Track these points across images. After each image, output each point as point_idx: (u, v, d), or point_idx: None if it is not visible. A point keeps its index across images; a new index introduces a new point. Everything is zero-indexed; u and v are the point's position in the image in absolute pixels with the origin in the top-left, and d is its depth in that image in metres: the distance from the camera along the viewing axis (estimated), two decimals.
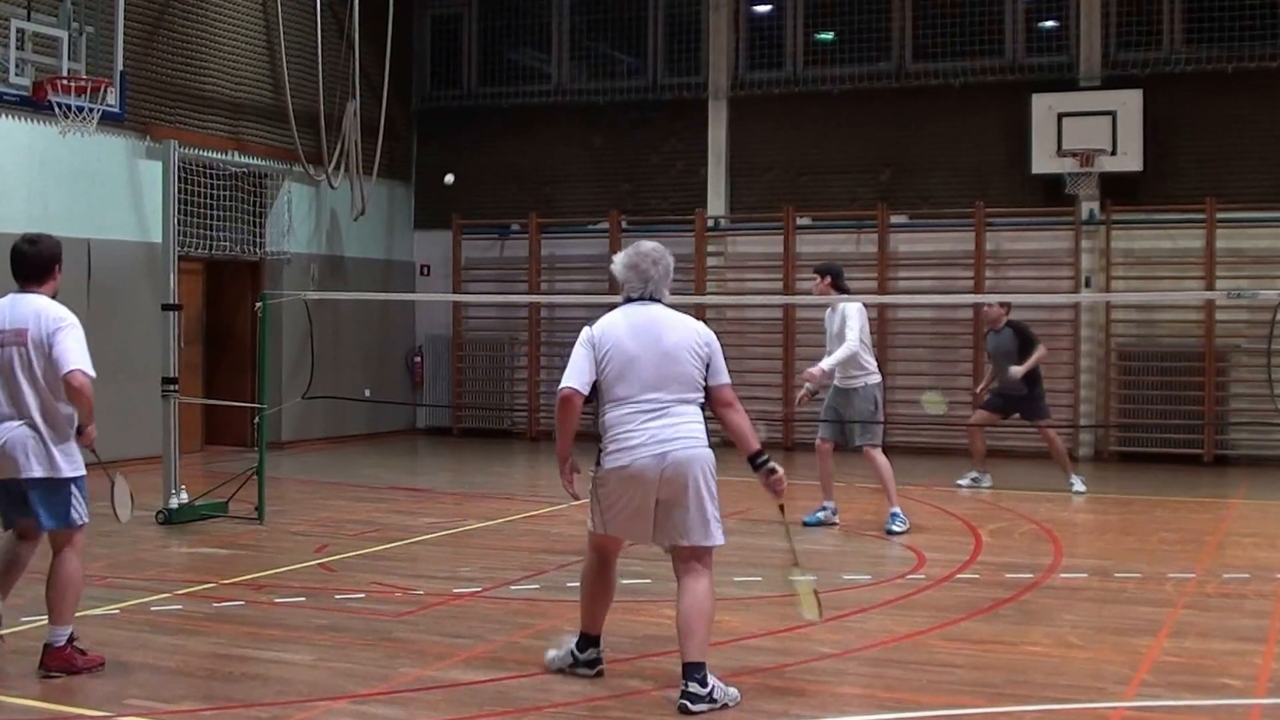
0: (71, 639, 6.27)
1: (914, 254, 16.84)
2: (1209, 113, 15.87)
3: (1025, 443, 16.36)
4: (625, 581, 8.26)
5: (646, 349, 5.86)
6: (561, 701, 5.73)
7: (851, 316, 10.38)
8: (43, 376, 6.11)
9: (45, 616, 6.50)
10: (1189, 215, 15.71)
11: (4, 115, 12.91)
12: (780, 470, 5.95)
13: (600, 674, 6.09)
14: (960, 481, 13.45)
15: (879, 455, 10.55)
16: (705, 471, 5.79)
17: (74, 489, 6.22)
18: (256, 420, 11.40)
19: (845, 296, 10.87)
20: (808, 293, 16.88)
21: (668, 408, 5.80)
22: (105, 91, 12.59)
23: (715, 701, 5.64)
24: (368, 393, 17.56)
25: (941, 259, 16.65)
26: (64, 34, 12.55)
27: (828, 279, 10.85)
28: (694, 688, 5.63)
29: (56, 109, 12.24)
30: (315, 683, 6.07)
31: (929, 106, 16.86)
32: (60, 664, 6.19)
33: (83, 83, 12.37)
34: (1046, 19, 16.78)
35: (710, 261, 17.64)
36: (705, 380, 5.91)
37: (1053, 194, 16.20)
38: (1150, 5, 16.13)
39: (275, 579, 8.45)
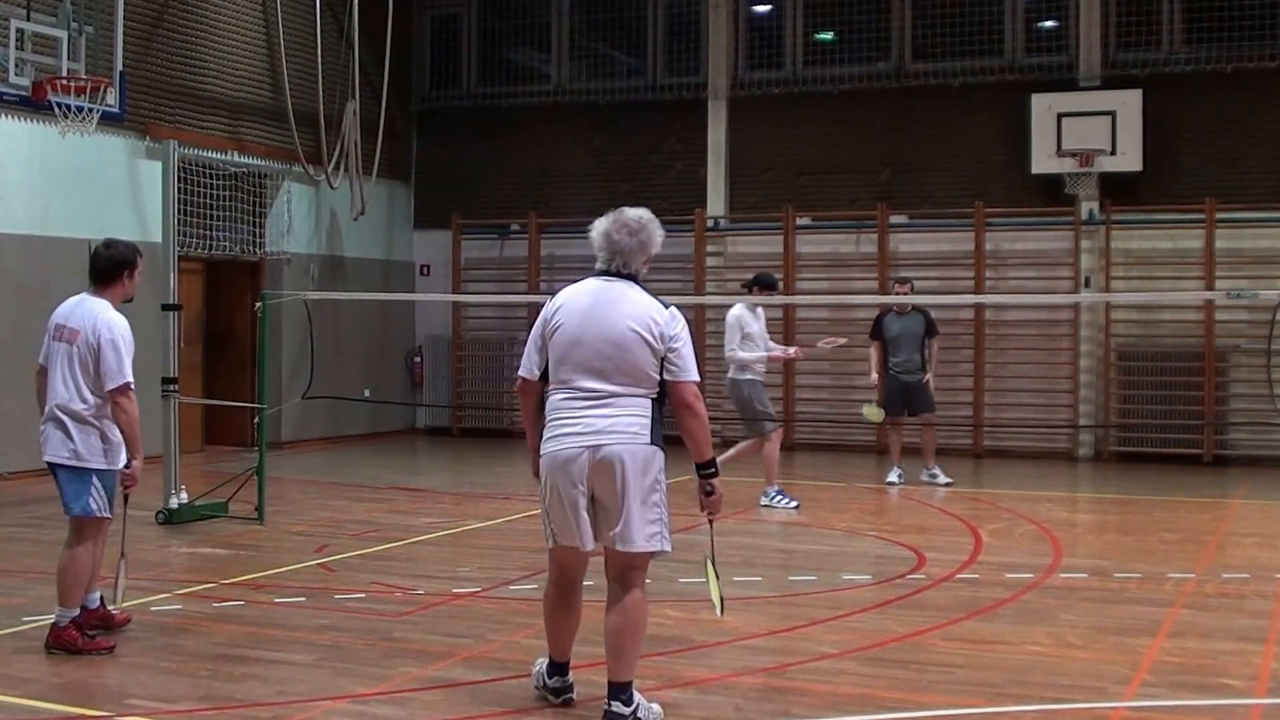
0: (77, 622, 6.54)
1: (914, 254, 16.84)
2: (1209, 113, 15.88)
3: (1024, 443, 16.39)
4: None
5: (595, 332, 5.30)
6: (562, 701, 5.72)
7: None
8: (82, 375, 6.54)
9: (49, 616, 6.62)
10: (1189, 215, 15.71)
11: (4, 115, 12.91)
12: (719, 492, 5.43)
13: (568, 703, 5.62)
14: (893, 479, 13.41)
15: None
16: (641, 469, 5.25)
17: (94, 480, 6.55)
18: (256, 420, 11.40)
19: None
20: (808, 293, 16.99)
21: (610, 399, 5.27)
22: (105, 91, 12.58)
23: None
24: (368, 393, 17.56)
25: (941, 259, 16.65)
26: (63, 34, 12.54)
27: None
28: (617, 707, 5.30)
29: (56, 109, 12.24)
30: (315, 683, 6.07)
31: (929, 106, 16.86)
32: (60, 642, 6.50)
33: (82, 83, 12.36)
34: (1046, 19, 16.78)
35: (710, 261, 17.64)
36: (662, 375, 5.32)
37: (1052, 194, 16.20)
38: (1150, 5, 16.14)
39: (275, 579, 8.45)
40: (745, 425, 12.03)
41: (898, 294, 13.62)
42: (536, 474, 5.46)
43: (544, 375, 5.48)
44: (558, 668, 5.65)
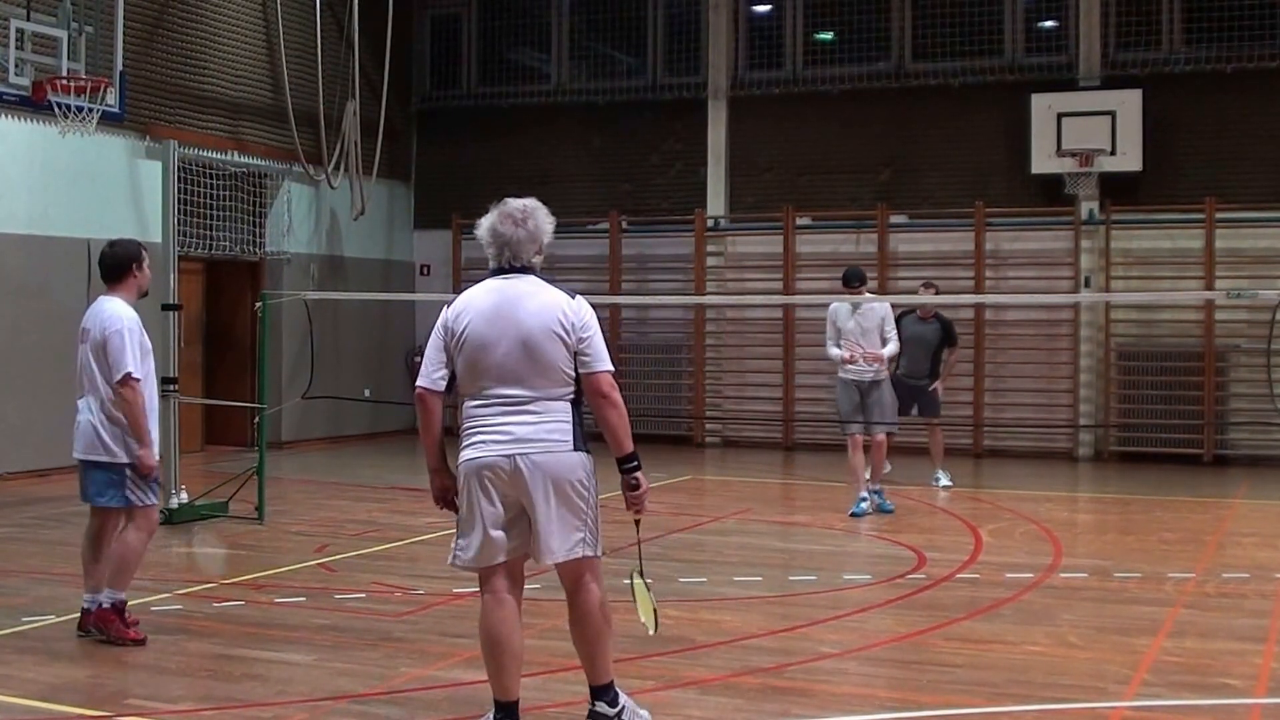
0: (118, 607, 6.66)
1: (914, 254, 16.84)
2: (1208, 113, 15.88)
3: (1024, 443, 16.39)
4: (625, 581, 8.26)
5: (504, 335, 5.04)
6: (561, 701, 5.72)
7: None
8: (100, 374, 6.68)
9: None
10: (1188, 215, 15.71)
11: (4, 115, 12.90)
12: (644, 486, 5.17)
13: None
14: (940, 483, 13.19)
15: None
16: (565, 478, 5.02)
17: (129, 471, 6.68)
18: (256, 420, 11.40)
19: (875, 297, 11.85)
20: (807, 292, 16.99)
21: (528, 404, 5.05)
22: (105, 91, 12.57)
23: None
24: (368, 393, 17.55)
25: (941, 259, 16.64)
26: (64, 34, 12.53)
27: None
28: (602, 708, 5.20)
29: (56, 109, 12.23)
30: (315, 683, 6.07)
31: (929, 106, 16.86)
32: (99, 622, 6.63)
33: (82, 83, 12.36)
34: (1046, 19, 16.78)
35: (710, 261, 17.63)
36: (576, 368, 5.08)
37: (1052, 194, 16.21)
38: (1150, 5, 16.13)
39: (275, 579, 8.45)
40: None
41: (922, 296, 13.56)
42: (437, 498, 5.32)
43: (448, 386, 5.24)
44: (506, 710, 5.13)
